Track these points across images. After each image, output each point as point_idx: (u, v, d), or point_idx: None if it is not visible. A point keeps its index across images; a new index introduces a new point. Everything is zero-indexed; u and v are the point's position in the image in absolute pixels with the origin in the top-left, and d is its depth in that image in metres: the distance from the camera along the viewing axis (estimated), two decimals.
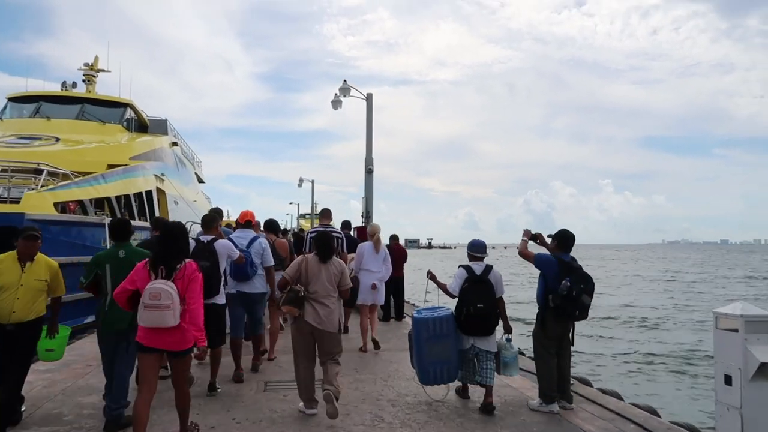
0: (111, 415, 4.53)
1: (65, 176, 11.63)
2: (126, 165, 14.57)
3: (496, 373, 5.37)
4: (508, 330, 5.43)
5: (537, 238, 5.67)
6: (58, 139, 15.08)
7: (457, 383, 5.58)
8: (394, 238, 10.85)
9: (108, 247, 6.16)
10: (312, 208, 35.76)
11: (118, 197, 14.08)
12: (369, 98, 13.08)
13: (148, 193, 16.21)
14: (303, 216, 45.13)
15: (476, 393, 5.62)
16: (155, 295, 3.73)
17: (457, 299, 5.30)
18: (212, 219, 6.00)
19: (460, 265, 5.44)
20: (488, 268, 5.34)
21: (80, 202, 11.94)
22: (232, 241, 6.11)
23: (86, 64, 22.10)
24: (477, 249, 5.47)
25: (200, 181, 34.07)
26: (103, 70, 22.60)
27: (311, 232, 7.58)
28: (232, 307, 6.18)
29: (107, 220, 11.93)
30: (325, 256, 5.04)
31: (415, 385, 5.82)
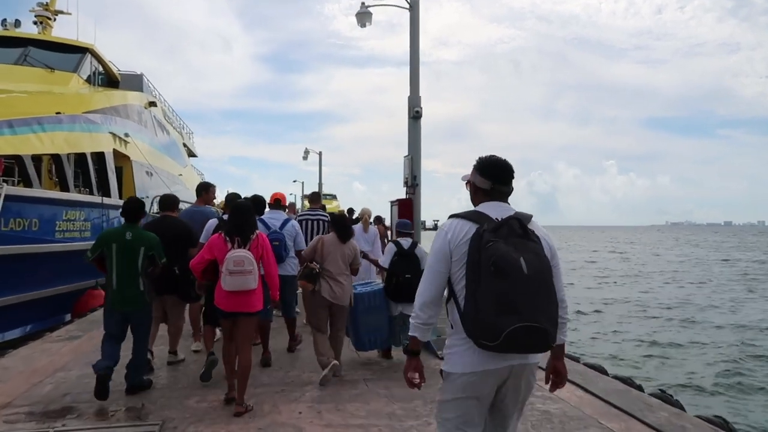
0: (134, 381, 4.79)
1: None
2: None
3: None
4: None
5: None
6: None
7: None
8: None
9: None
10: (320, 184, 31.41)
11: (38, 158, 9.83)
12: (415, 6, 8.68)
13: (99, 155, 11.89)
14: (326, 196, 38.70)
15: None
16: (239, 262, 4.25)
17: (387, 270, 5.86)
18: (236, 197, 6.28)
19: (389, 241, 6.91)
20: (414, 244, 5.98)
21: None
22: (263, 221, 6.07)
23: (40, 4, 17.64)
24: (404, 227, 6.40)
25: (191, 155, 29.70)
26: (62, 12, 18.11)
27: (302, 215, 7.98)
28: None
29: (6, 189, 7.71)
30: (345, 236, 5.50)
31: None
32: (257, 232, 4.59)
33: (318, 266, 5.30)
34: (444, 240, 2.38)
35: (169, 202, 6.02)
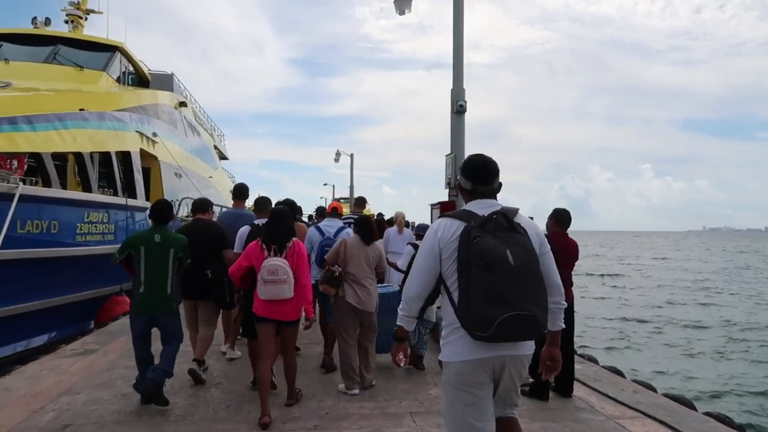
0: (152, 379, 4.47)
1: None
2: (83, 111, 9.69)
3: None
4: None
5: None
6: (7, 84, 10.53)
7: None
8: (559, 217, 5.30)
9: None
10: (351, 187, 30.67)
11: (61, 156, 9.38)
12: None
13: (125, 155, 11.43)
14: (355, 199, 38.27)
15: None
16: (273, 270, 4.17)
17: (405, 272, 5.88)
18: (266, 202, 5.90)
19: (408, 243, 6.73)
20: None
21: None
22: (319, 228, 6.20)
23: (71, 3, 17.46)
24: (423, 230, 6.55)
25: (222, 157, 29.41)
26: (93, 11, 17.92)
27: (344, 218, 7.50)
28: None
29: (21, 189, 7.21)
30: (368, 238, 5.30)
31: None
32: (294, 239, 4.45)
33: (339, 269, 5.14)
34: (434, 238, 2.50)
35: (201, 204, 5.97)
